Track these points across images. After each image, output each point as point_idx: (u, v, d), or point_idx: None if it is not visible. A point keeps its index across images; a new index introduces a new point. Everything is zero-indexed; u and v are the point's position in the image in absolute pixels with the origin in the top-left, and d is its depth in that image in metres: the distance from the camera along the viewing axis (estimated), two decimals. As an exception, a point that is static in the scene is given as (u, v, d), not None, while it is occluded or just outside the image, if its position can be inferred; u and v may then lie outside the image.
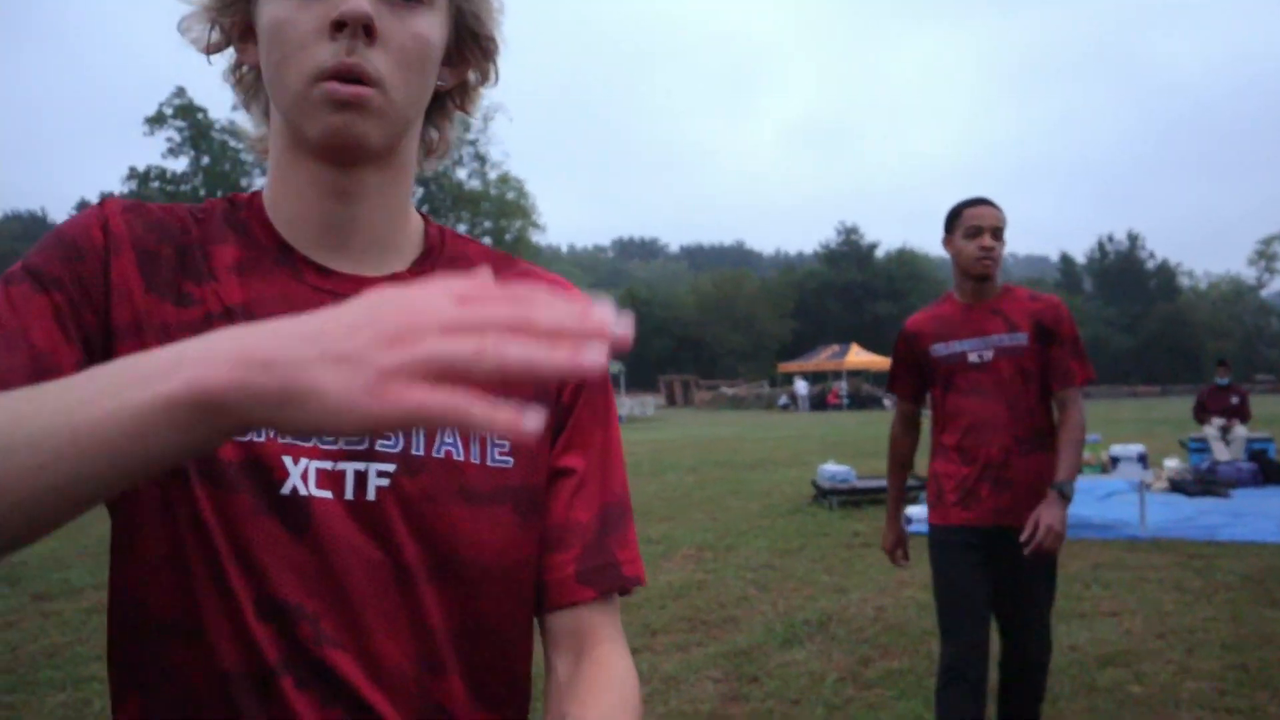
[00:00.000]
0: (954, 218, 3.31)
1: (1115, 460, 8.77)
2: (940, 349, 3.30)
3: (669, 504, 11.00)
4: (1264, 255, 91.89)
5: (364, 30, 0.83)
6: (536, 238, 58.47)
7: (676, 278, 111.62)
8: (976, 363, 3.21)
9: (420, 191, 55.44)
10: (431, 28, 0.89)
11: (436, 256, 1.00)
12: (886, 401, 49.06)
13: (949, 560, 3.19)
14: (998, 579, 3.18)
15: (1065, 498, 3.00)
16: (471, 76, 1.01)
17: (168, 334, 0.84)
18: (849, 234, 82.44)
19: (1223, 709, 4.10)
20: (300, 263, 0.92)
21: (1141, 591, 6.23)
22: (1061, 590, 6.21)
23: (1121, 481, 10.14)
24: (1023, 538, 2.93)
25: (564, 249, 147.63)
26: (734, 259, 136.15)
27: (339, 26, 0.82)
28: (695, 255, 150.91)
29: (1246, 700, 4.16)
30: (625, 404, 37.32)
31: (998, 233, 3.22)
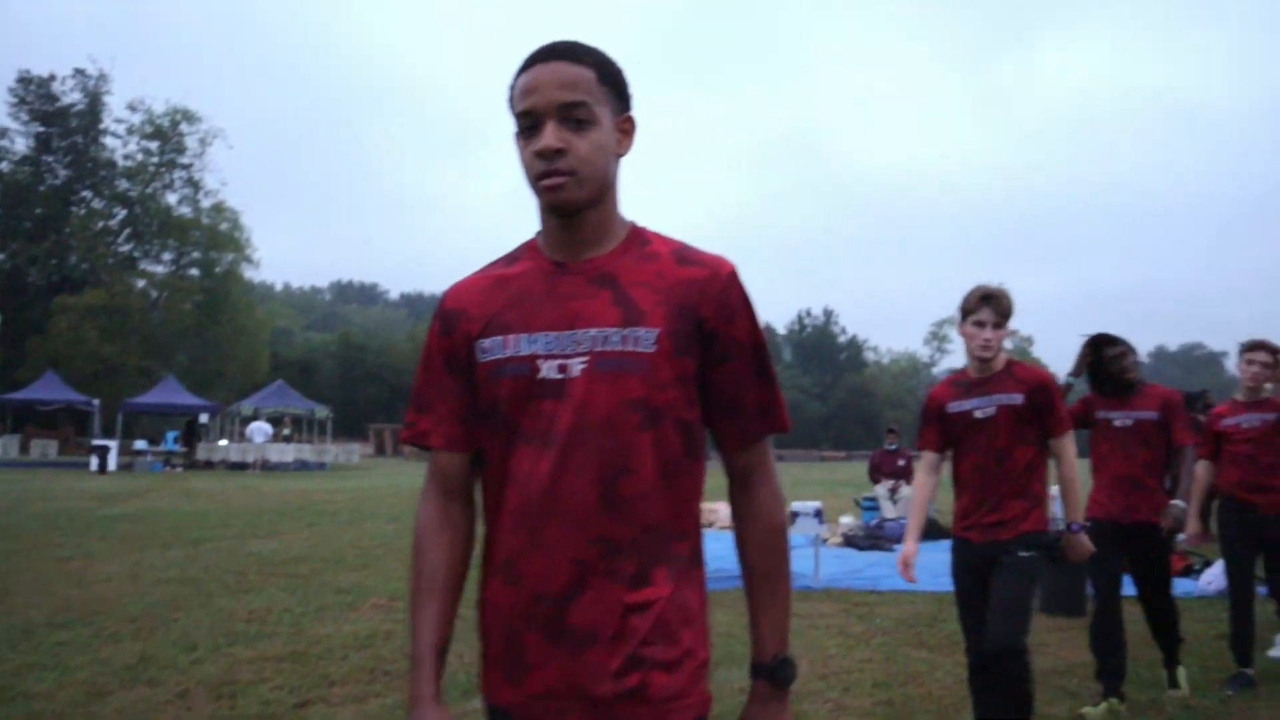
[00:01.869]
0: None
1: (795, 515, 9.34)
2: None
3: (364, 553, 10.67)
4: (936, 336, 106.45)
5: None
6: (249, 273, 55.70)
7: (395, 325, 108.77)
8: None
9: (123, 214, 51.76)
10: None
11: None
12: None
13: None
14: None
15: None
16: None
17: None
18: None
19: (867, 742, 4.45)
20: None
21: (809, 637, 6.64)
22: (737, 637, 6.56)
23: (800, 536, 10.82)
24: None
25: (279, 287, 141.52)
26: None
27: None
28: (416, 304, 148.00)
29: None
30: (330, 451, 36.07)
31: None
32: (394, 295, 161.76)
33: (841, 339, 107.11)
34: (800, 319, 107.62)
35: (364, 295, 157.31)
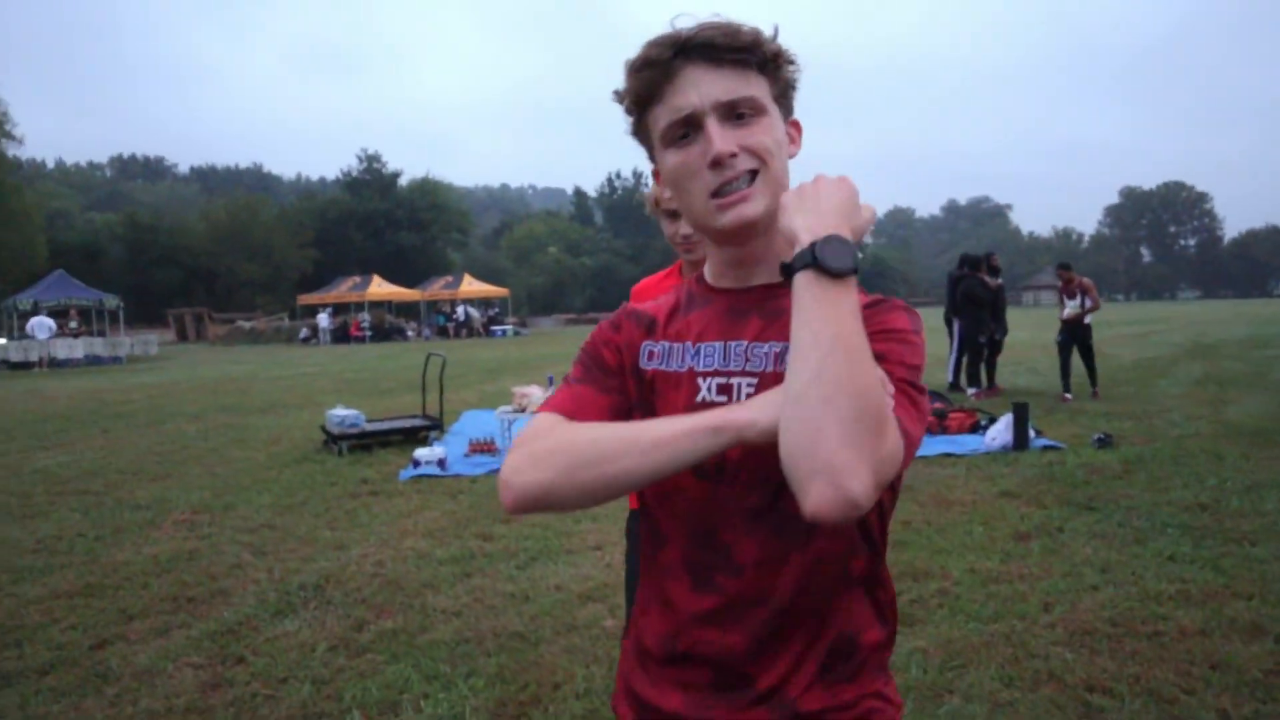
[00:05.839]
0: None
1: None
2: None
3: (164, 460, 10.18)
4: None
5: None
6: (11, 150, 51.38)
7: (186, 202, 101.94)
8: None
9: None
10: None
11: None
12: (409, 332, 49.15)
13: None
14: None
15: None
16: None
17: None
18: (371, 161, 79.80)
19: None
20: None
21: (622, 524, 6.73)
22: (552, 529, 6.56)
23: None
24: None
25: (50, 164, 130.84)
26: (251, 183, 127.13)
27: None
28: (208, 178, 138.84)
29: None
30: (124, 343, 34.09)
31: None
32: (184, 169, 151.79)
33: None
34: (610, 181, 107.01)
35: (150, 170, 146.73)
